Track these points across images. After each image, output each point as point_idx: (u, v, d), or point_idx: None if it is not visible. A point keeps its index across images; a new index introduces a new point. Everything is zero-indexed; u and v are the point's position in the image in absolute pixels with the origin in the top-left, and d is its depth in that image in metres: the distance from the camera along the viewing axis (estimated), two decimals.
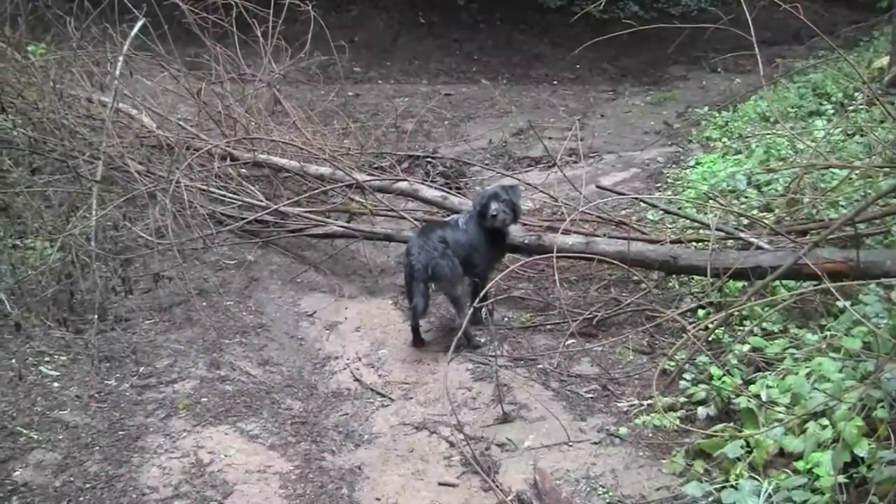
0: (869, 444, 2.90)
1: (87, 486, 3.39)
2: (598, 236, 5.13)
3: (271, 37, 6.82)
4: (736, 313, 4.22)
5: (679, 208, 5.72)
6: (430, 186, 6.21)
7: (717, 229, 4.73)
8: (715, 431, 3.40)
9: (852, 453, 2.89)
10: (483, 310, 4.74)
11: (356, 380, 4.50)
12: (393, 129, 8.11)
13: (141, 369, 4.30)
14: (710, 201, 5.58)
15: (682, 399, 3.83)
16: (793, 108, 7.73)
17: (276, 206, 5.80)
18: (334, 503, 3.47)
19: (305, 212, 6.01)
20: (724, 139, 7.80)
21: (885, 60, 8.05)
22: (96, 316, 4.46)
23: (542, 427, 3.89)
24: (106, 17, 6.02)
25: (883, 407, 2.97)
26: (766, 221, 4.99)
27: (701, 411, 3.63)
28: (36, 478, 3.39)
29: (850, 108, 6.89)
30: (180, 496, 3.39)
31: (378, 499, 3.50)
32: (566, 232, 5.06)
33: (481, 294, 4.54)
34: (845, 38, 9.98)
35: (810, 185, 5.34)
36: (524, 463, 3.65)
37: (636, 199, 6.04)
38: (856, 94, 7.25)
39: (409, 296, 4.61)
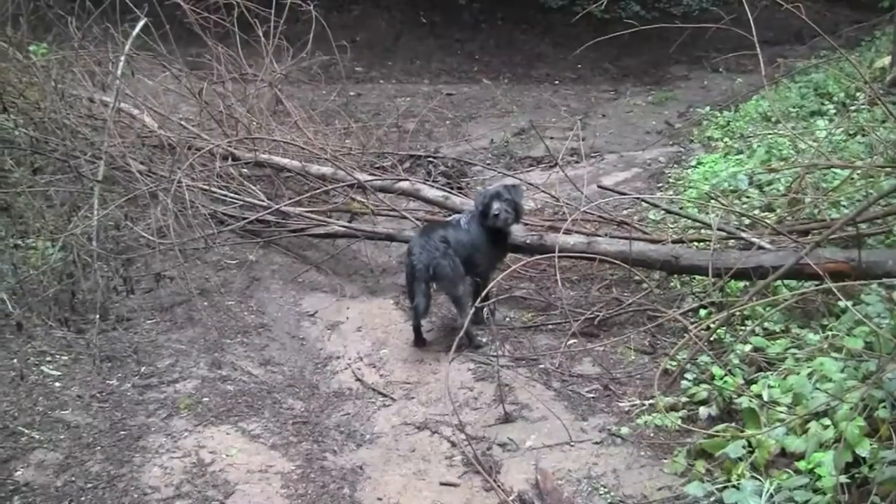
0: (871, 445, 2.89)
1: (89, 485, 3.40)
2: (599, 236, 5.13)
3: (273, 36, 6.83)
4: (737, 313, 4.22)
5: (681, 208, 5.72)
6: (432, 186, 6.21)
7: (719, 229, 4.72)
8: (716, 431, 3.40)
9: (854, 453, 2.88)
10: (485, 310, 4.74)
11: (358, 379, 4.50)
12: (394, 129, 8.11)
13: (142, 369, 4.30)
14: (712, 201, 5.58)
15: (684, 399, 3.83)
16: (794, 107, 7.72)
17: (277, 206, 5.81)
18: (336, 503, 3.47)
19: (307, 212, 6.02)
20: (726, 139, 7.79)
21: (886, 60, 8.04)
22: (98, 316, 4.46)
23: (543, 427, 3.89)
24: (107, 17, 6.03)
25: (885, 407, 2.97)
26: (768, 221, 4.99)
27: (702, 411, 3.63)
28: (37, 477, 3.39)
29: (852, 107, 6.88)
30: (182, 496, 3.39)
31: (380, 499, 3.50)
32: (568, 232, 5.06)
33: (483, 294, 4.53)
34: (847, 37, 9.95)
35: (812, 185, 5.34)
36: (526, 463, 3.65)
37: (638, 198, 6.03)
38: (857, 93, 7.24)
39: (411, 296, 4.61)
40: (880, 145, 5.63)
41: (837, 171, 5.44)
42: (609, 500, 3.35)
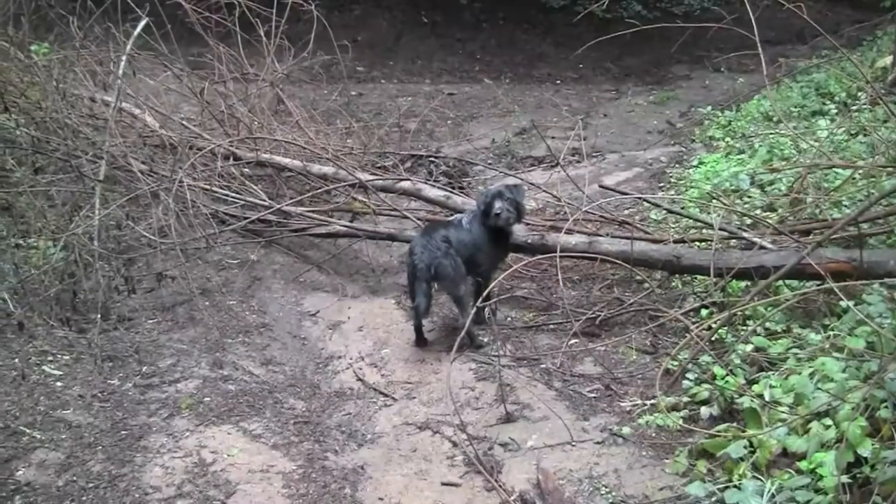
0: (872, 445, 2.89)
1: (90, 485, 3.40)
2: (601, 236, 5.13)
3: (274, 36, 6.83)
4: (739, 313, 4.22)
5: (682, 208, 5.72)
6: (433, 186, 6.21)
7: (721, 229, 4.72)
8: (718, 431, 3.40)
9: (856, 453, 2.88)
10: (486, 309, 4.74)
11: (359, 379, 4.50)
12: (396, 129, 8.11)
13: (144, 369, 4.30)
14: (714, 201, 5.58)
15: (686, 399, 3.82)
16: (796, 107, 7.71)
17: (279, 206, 5.80)
18: (337, 503, 3.48)
19: (308, 211, 6.02)
20: (728, 139, 7.78)
21: (888, 60, 8.04)
22: (99, 315, 4.46)
23: (545, 427, 3.89)
24: (109, 17, 6.04)
25: (886, 407, 2.96)
26: (770, 221, 4.99)
27: (704, 411, 3.63)
28: (39, 477, 3.40)
29: (854, 107, 6.88)
30: (183, 496, 3.39)
31: (381, 498, 3.50)
32: (569, 231, 5.06)
33: (484, 294, 4.53)
34: (849, 37, 9.93)
35: (813, 185, 5.33)
36: (527, 463, 3.65)
37: (639, 198, 6.02)
38: (859, 93, 7.24)
39: (412, 295, 4.61)
40: (882, 145, 5.63)
41: (839, 170, 5.43)
42: (610, 500, 3.35)
